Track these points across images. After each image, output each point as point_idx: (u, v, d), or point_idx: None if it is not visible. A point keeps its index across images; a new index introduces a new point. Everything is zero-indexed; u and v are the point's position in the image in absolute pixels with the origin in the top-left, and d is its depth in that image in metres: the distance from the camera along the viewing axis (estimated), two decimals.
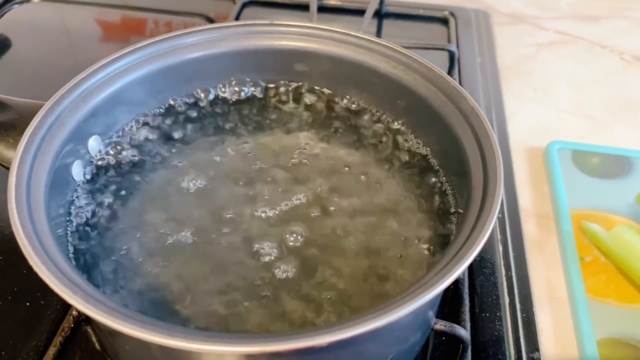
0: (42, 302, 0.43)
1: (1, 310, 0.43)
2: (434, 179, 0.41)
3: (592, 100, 0.66)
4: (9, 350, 0.40)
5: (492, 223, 0.29)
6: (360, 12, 0.69)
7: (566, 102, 0.65)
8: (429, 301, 0.27)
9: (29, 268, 0.45)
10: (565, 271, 0.48)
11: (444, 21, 0.75)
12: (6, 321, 0.42)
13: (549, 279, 0.48)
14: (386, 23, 0.75)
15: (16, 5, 0.77)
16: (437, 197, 0.40)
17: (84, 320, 0.42)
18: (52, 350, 0.40)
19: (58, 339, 0.40)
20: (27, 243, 0.28)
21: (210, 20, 0.75)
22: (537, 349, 0.42)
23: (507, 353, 0.41)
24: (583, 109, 0.65)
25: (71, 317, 0.41)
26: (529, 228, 0.51)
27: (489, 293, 0.45)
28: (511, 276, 0.47)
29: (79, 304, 0.26)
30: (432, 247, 0.37)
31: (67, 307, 0.42)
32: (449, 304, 0.43)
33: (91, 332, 0.41)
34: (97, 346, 0.41)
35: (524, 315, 0.44)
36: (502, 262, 0.48)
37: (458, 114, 0.37)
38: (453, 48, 0.66)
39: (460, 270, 0.27)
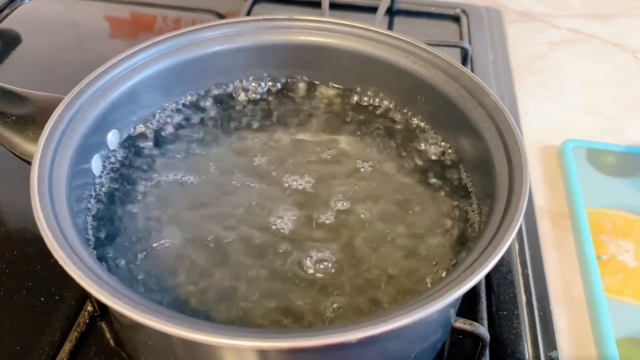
0: (57, 297, 0.43)
1: (16, 305, 0.42)
2: (455, 176, 0.41)
3: (606, 99, 0.65)
4: (24, 346, 0.40)
5: (520, 219, 0.29)
6: (372, 9, 0.68)
7: (580, 101, 0.65)
8: (457, 298, 0.27)
9: (44, 263, 0.45)
10: (582, 270, 0.47)
11: (456, 19, 0.75)
12: (21, 316, 0.42)
13: (565, 277, 0.47)
14: (397, 20, 0.75)
15: (26, 1, 0.77)
16: (458, 194, 0.40)
17: (99, 315, 0.42)
18: (67, 346, 0.39)
19: (73, 335, 0.40)
20: (52, 237, 0.27)
21: (221, 17, 0.75)
22: (554, 348, 0.42)
23: (525, 352, 0.41)
24: (597, 107, 0.64)
25: (86, 312, 0.41)
26: (545, 226, 0.51)
27: (505, 291, 0.45)
28: (527, 274, 0.47)
29: (106, 298, 0.25)
30: (452, 243, 0.37)
31: (82, 302, 0.42)
32: (465, 302, 0.43)
33: (106, 328, 0.41)
34: (112, 342, 0.40)
35: (541, 313, 0.44)
36: (518, 260, 0.48)
37: (480, 110, 0.37)
38: (466, 45, 0.65)
39: (490, 265, 0.27)
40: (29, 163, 0.33)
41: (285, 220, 0.38)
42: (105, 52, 0.40)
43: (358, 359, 0.30)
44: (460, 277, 0.27)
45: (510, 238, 0.28)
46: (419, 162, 0.43)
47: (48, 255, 0.28)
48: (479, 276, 0.26)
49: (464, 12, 0.75)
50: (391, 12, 0.75)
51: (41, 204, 0.29)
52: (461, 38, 0.71)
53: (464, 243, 0.37)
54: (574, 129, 0.61)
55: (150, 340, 0.31)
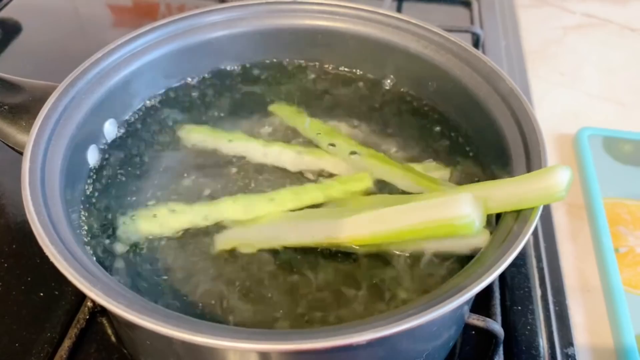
0: (57, 293, 0.42)
1: (15, 300, 0.41)
2: (468, 163, 0.39)
3: (623, 85, 0.63)
4: (22, 342, 0.39)
5: (539, 209, 0.28)
6: None
7: (595, 87, 0.63)
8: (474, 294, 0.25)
9: (43, 257, 0.43)
10: (599, 262, 0.46)
11: (466, 3, 0.73)
12: (20, 312, 0.41)
13: (582, 270, 0.46)
14: (406, 5, 0.73)
15: None
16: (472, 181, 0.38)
17: (99, 311, 0.40)
18: (67, 343, 0.38)
19: (73, 331, 0.39)
20: (43, 233, 0.26)
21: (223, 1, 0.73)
22: (571, 344, 0.41)
23: (540, 348, 0.40)
24: (613, 94, 0.62)
25: (86, 308, 0.40)
26: (560, 217, 0.50)
27: (520, 285, 0.43)
28: (542, 267, 0.45)
29: (100, 297, 0.24)
30: None
31: (82, 298, 0.41)
32: (478, 297, 0.41)
33: (107, 324, 0.40)
34: (113, 338, 0.39)
35: (557, 308, 0.43)
36: (532, 253, 0.46)
37: (495, 96, 0.35)
38: (478, 30, 0.63)
39: (510, 258, 0.25)
40: (22, 154, 0.31)
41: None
42: (108, 41, 0.39)
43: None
44: (478, 273, 0.25)
45: (530, 230, 0.27)
46: (431, 150, 0.40)
47: None
48: (499, 271, 0.25)
49: None
50: None
51: (32, 197, 0.28)
52: (472, 23, 0.69)
53: None
54: (589, 116, 0.59)
55: (149, 340, 0.30)
